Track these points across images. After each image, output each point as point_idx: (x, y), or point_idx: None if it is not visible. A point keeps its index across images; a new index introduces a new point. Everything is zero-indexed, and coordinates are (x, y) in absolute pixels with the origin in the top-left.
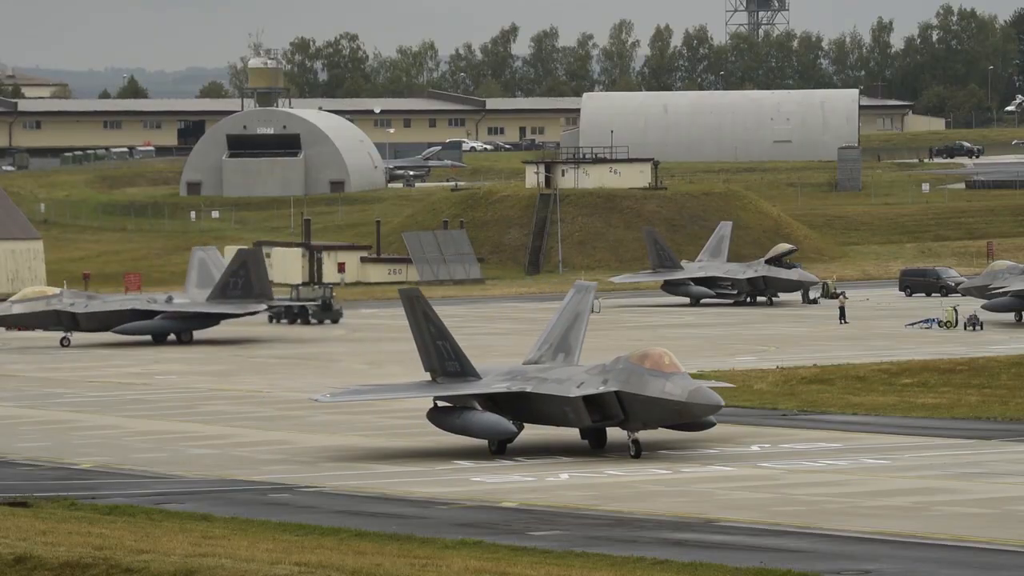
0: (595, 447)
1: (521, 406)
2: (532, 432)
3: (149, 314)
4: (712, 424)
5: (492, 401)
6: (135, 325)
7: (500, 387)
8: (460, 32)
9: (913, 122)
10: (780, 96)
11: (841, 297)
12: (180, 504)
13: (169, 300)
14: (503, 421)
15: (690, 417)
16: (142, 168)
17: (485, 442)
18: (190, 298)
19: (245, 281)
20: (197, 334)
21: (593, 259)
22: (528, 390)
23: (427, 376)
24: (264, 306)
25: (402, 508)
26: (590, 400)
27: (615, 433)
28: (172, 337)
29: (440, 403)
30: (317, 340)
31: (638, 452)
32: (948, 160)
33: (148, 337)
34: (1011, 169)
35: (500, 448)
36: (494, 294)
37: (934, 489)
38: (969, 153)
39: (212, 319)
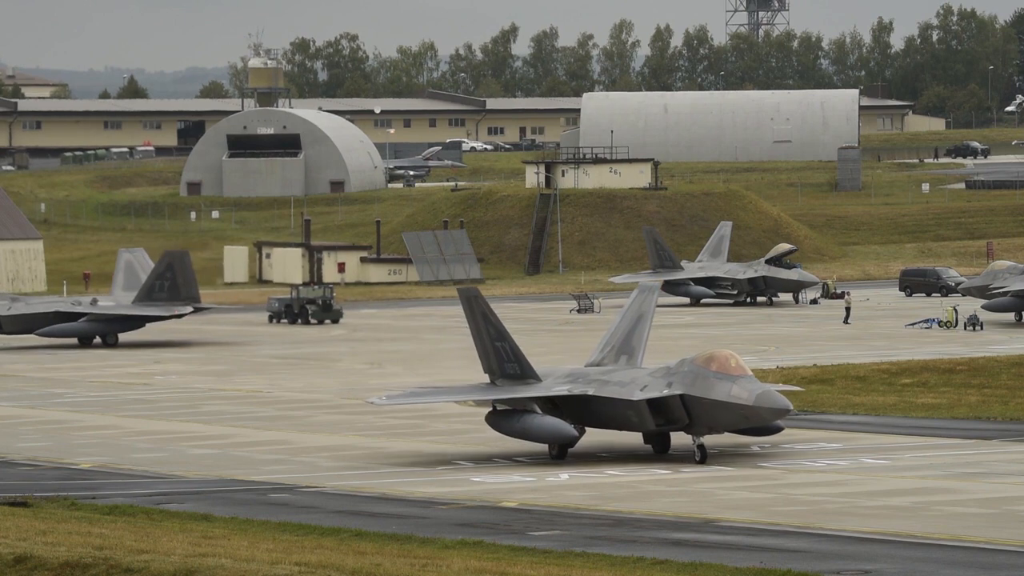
0: (658, 452)
1: (583, 410)
2: (593, 436)
3: (73, 316)
4: (780, 428)
5: (552, 404)
6: (59, 328)
7: (561, 390)
8: (460, 32)
9: (913, 122)
10: (780, 96)
11: (847, 297)
12: (180, 504)
13: (94, 303)
14: (564, 425)
15: (758, 421)
16: (142, 168)
17: (544, 446)
18: (116, 300)
19: (171, 283)
20: (123, 336)
21: (593, 259)
22: (590, 393)
23: (486, 378)
24: (191, 308)
25: (402, 508)
26: (654, 403)
27: (678, 437)
28: (98, 340)
29: (499, 406)
30: (317, 340)
31: (704, 457)
32: (950, 160)
33: (79, 340)
34: (1011, 169)
35: (561, 453)
36: (494, 294)
37: (934, 489)
38: (976, 153)
39: (137, 321)
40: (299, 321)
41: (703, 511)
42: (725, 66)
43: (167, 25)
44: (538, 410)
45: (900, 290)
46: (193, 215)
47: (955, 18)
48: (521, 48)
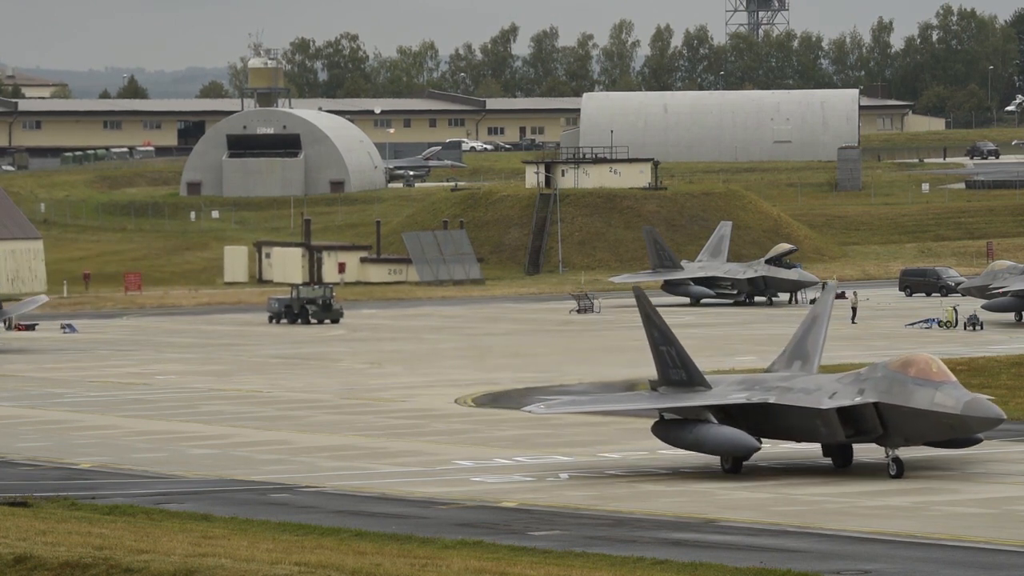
0: (839, 465)
1: (761, 419)
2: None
3: None
4: (979, 440)
5: (725, 413)
6: None
7: (738, 397)
8: (460, 32)
9: (913, 122)
10: (780, 96)
11: (853, 296)
12: (180, 504)
13: None
14: (744, 436)
15: (964, 432)
16: (142, 168)
17: (711, 457)
18: None
19: None
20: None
21: (593, 259)
22: (771, 401)
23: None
24: None
25: (402, 508)
26: (844, 412)
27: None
28: None
29: (667, 416)
30: (317, 340)
31: (900, 471)
32: (952, 160)
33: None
34: (1011, 169)
35: (735, 466)
36: (494, 294)
37: (934, 489)
38: (987, 153)
39: None
40: (299, 321)
41: (703, 511)
42: (725, 66)
43: (167, 25)
44: (713, 419)
45: (900, 290)
46: (193, 215)
47: (955, 18)
48: (521, 48)
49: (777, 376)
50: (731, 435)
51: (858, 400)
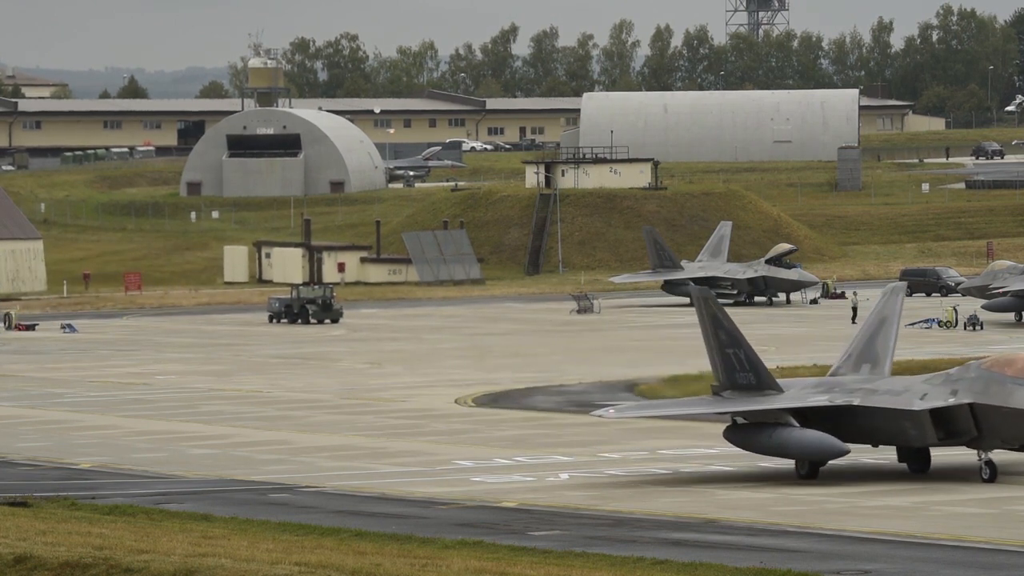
0: (916, 471)
1: (842, 422)
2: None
3: None
4: None
5: (801, 416)
6: None
7: (820, 400)
8: (460, 32)
9: (913, 122)
10: (780, 96)
11: (853, 296)
12: (180, 504)
13: None
14: (832, 439)
15: None
16: (142, 168)
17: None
18: None
19: None
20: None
21: (593, 259)
22: (855, 403)
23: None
24: None
25: (402, 508)
26: (936, 414)
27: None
28: None
29: (739, 420)
30: (317, 340)
31: (993, 475)
32: (953, 160)
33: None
34: (1011, 169)
35: (812, 471)
36: (494, 294)
37: (934, 489)
38: (992, 154)
39: None
40: (299, 321)
41: (703, 511)
42: (725, 66)
43: (167, 25)
44: (794, 423)
45: None
46: (193, 215)
47: (955, 18)
48: (521, 48)
49: (855, 379)
50: (818, 438)
51: (952, 401)
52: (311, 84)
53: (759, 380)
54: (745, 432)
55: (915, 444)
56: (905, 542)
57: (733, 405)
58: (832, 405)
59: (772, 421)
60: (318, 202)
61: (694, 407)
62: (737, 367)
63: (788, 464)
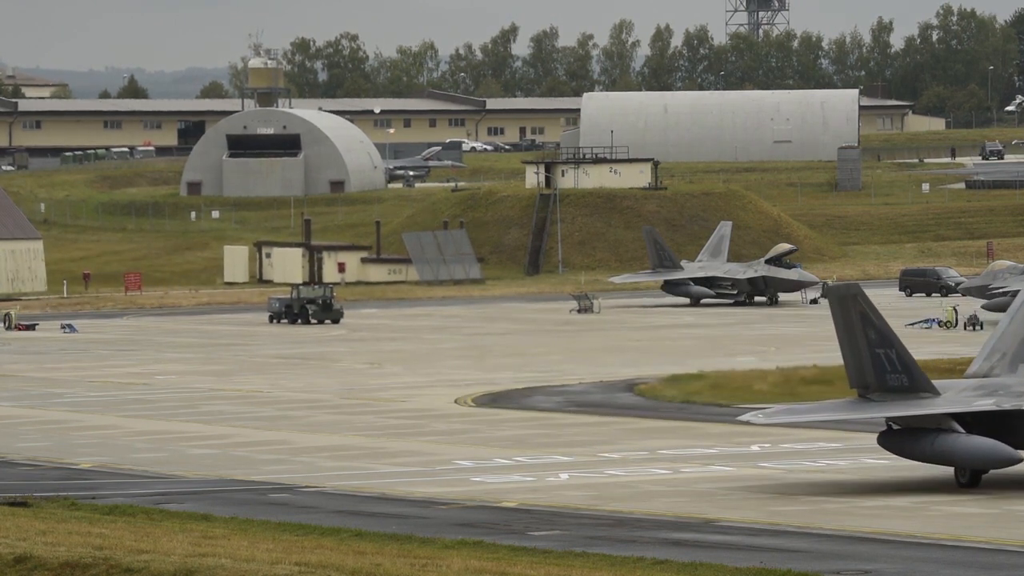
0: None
1: (1008, 427)
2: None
3: None
4: None
5: (961, 421)
6: None
7: (985, 404)
8: (460, 32)
9: (913, 122)
10: (780, 96)
11: None
12: (180, 504)
13: None
14: (1003, 447)
15: None
16: (142, 168)
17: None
18: None
19: None
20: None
21: (593, 259)
22: None
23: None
24: None
25: (402, 508)
26: None
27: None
28: None
29: (894, 425)
30: (317, 340)
31: None
32: (953, 160)
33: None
34: (1011, 169)
35: (974, 479)
36: (494, 294)
37: (934, 489)
38: (994, 154)
39: None
40: (299, 321)
41: (703, 511)
42: (725, 66)
43: (167, 25)
44: (959, 428)
45: (900, 290)
46: (193, 215)
47: (955, 18)
48: (521, 48)
49: (1019, 381)
50: (987, 445)
51: None
52: (311, 84)
53: (913, 382)
54: (901, 438)
55: None
56: (905, 542)
57: (888, 409)
58: (1000, 410)
59: (934, 427)
60: (318, 202)
61: (846, 412)
62: (888, 368)
63: (786, 465)
